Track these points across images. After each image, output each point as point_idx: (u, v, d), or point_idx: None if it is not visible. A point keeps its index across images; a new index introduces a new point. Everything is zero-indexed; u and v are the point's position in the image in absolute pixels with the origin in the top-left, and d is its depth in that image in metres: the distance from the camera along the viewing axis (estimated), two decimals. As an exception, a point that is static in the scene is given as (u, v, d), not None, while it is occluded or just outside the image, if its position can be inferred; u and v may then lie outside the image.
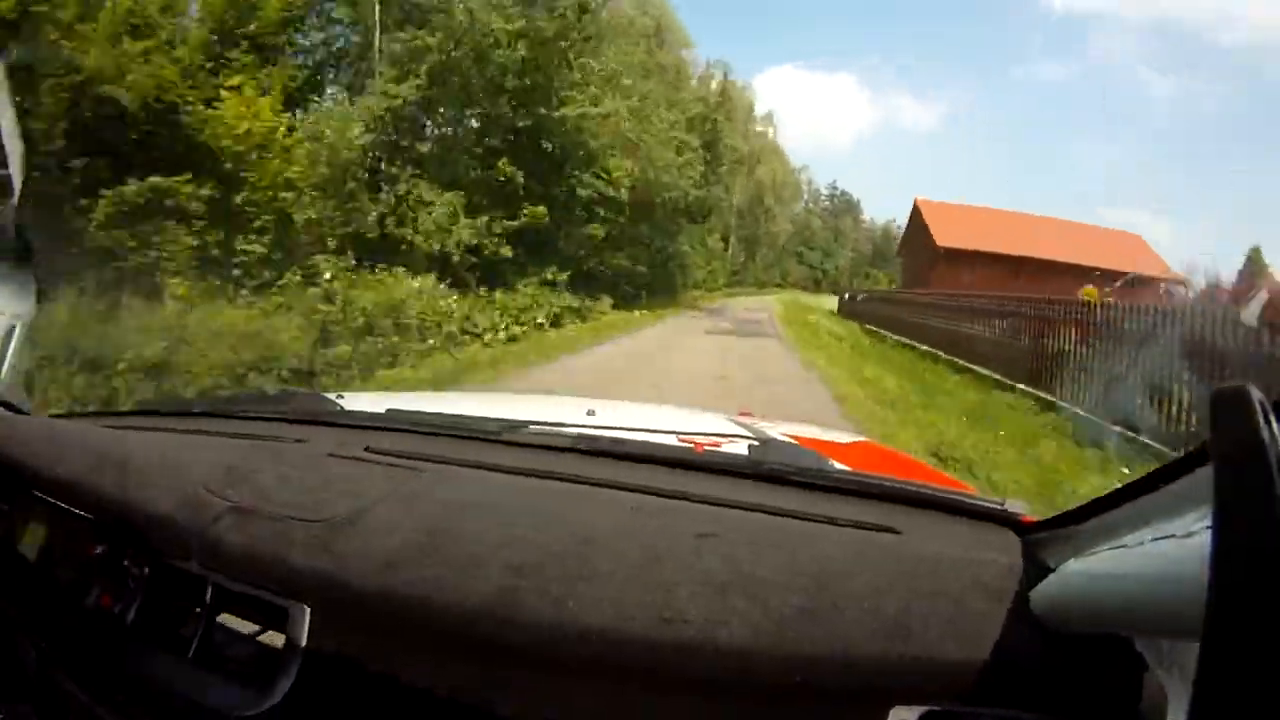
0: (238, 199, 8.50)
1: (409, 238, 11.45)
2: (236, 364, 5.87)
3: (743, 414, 1.79)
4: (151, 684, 0.76)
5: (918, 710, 0.57)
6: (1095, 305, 7.29)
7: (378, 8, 11.87)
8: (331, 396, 1.43)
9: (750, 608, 0.59)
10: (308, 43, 12.53)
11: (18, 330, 1.14)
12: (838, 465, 1.03)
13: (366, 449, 0.98)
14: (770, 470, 0.91)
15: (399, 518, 0.74)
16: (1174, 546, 0.44)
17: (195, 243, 7.74)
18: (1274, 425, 0.35)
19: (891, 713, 0.57)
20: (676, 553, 0.67)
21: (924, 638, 0.57)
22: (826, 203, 69.83)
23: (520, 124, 13.33)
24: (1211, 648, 0.33)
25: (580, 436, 1.02)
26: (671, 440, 1.13)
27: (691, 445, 1.13)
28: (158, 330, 5.92)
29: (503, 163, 12.92)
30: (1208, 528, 0.36)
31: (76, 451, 0.94)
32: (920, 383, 8.76)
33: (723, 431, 1.32)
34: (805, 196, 64.24)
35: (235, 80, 8.81)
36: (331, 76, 13.15)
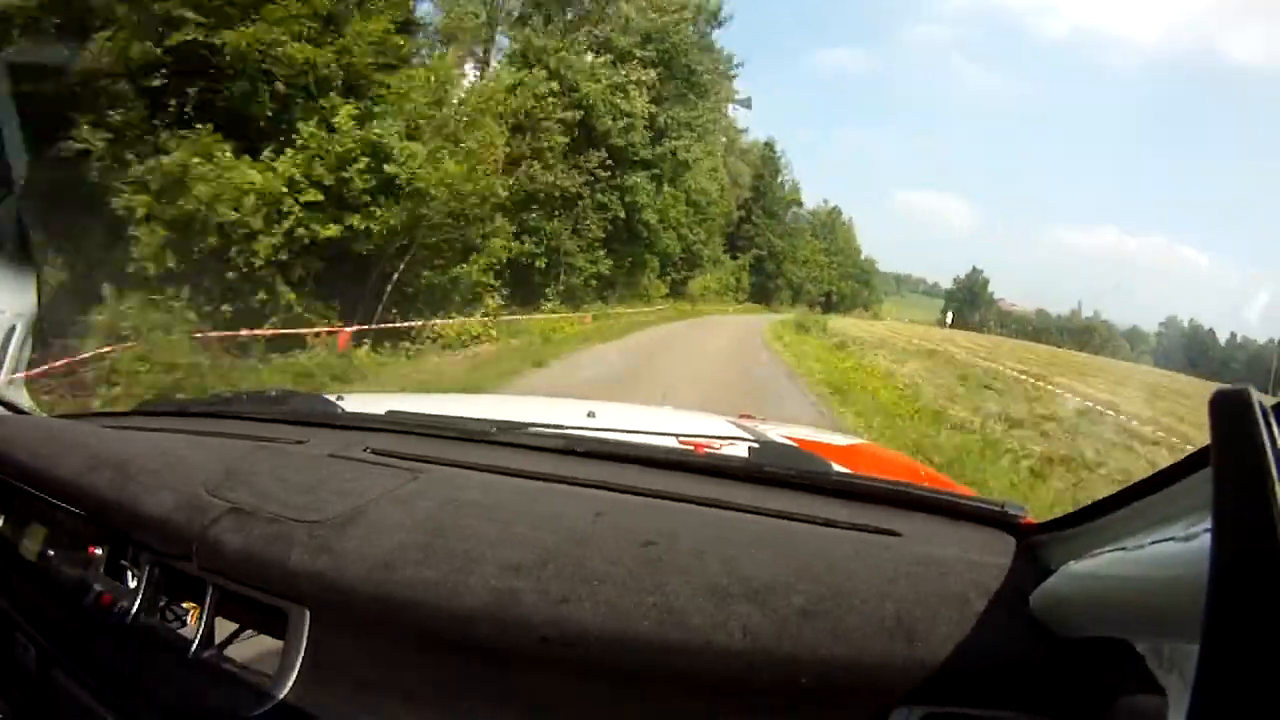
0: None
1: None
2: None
3: (743, 416, 1.79)
4: (151, 684, 0.76)
5: (919, 711, 0.57)
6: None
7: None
8: (331, 398, 1.43)
9: (751, 609, 0.59)
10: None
11: (18, 330, 1.14)
12: (837, 468, 1.03)
13: (366, 450, 0.98)
14: (770, 472, 0.91)
15: (398, 518, 0.74)
16: (1174, 549, 0.44)
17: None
18: (1274, 428, 0.35)
19: (893, 714, 0.57)
20: (675, 555, 0.67)
21: (925, 639, 0.57)
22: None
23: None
24: (1211, 650, 0.33)
25: (579, 439, 1.02)
26: (671, 443, 1.13)
27: (691, 447, 1.13)
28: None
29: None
30: (1207, 530, 0.36)
31: (76, 451, 0.93)
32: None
33: (723, 434, 1.32)
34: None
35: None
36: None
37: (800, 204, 44.90)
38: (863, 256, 59.20)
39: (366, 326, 8.71)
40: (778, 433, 1.45)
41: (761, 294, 40.13)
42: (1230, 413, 0.36)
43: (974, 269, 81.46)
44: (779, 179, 40.37)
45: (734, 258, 35.83)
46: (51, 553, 0.95)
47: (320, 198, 7.96)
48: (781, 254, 39.78)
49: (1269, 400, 0.37)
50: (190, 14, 6.92)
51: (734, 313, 30.30)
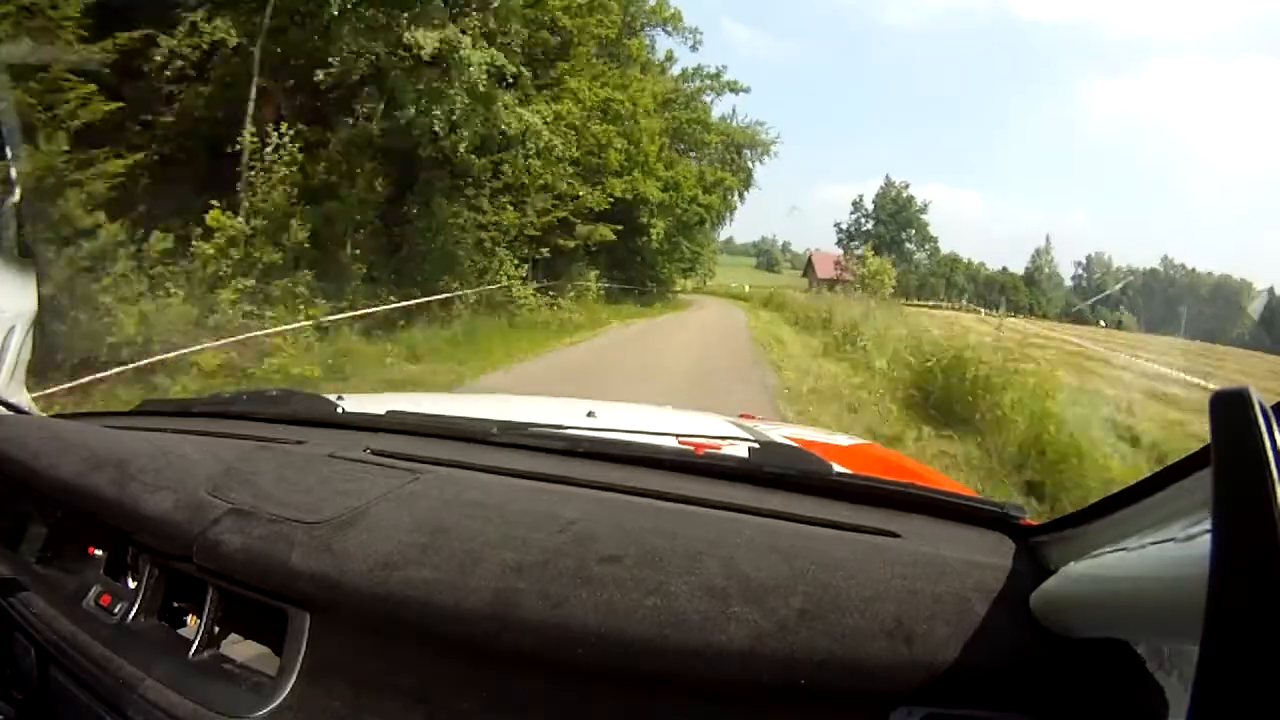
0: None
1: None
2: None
3: (744, 416, 1.80)
4: (152, 684, 0.76)
5: (918, 712, 0.57)
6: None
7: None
8: (331, 398, 1.43)
9: (750, 611, 0.59)
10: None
11: (18, 330, 1.14)
12: (838, 468, 1.03)
13: (366, 450, 0.98)
14: (771, 473, 0.91)
15: (399, 519, 0.74)
16: (1174, 549, 0.45)
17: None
18: (1274, 428, 0.35)
19: (892, 715, 0.57)
20: (675, 555, 0.67)
21: (924, 640, 0.57)
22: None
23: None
24: (1211, 651, 0.33)
25: (580, 439, 1.02)
26: (671, 442, 1.13)
27: (692, 448, 1.13)
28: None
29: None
30: (1208, 531, 0.36)
31: (76, 451, 0.93)
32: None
33: (723, 434, 1.32)
34: None
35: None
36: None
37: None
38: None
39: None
40: (778, 433, 1.45)
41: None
42: (1230, 412, 0.36)
43: (888, 179, 47.16)
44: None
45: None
46: (51, 553, 0.95)
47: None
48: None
49: (1269, 400, 0.37)
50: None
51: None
